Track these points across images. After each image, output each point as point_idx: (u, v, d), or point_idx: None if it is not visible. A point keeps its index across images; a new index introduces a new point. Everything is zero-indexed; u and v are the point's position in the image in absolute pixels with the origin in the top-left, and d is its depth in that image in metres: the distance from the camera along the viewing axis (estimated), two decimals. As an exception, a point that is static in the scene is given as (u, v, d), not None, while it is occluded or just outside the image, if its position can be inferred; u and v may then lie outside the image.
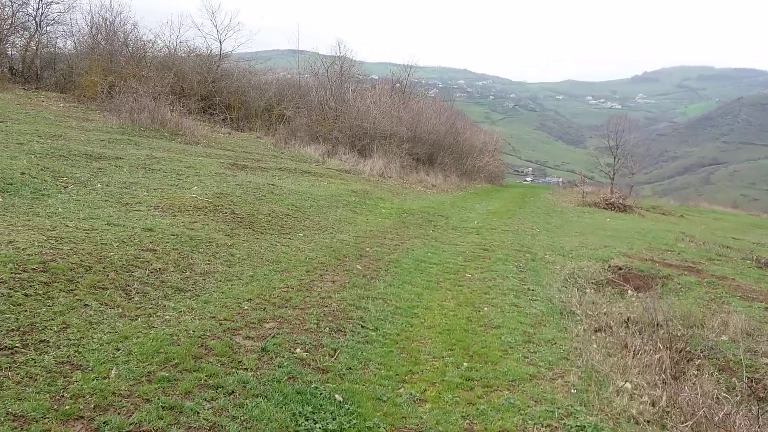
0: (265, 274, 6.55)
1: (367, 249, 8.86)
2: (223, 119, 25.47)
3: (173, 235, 6.94)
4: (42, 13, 22.66)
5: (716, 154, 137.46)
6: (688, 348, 6.10)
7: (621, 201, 23.80)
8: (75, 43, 24.29)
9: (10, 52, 22.70)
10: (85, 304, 4.73)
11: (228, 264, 6.64)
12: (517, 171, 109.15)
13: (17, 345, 3.91)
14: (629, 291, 9.04)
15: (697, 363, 5.71)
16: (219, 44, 28.42)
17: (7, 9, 21.89)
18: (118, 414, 3.37)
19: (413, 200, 16.87)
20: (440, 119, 25.95)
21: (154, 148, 14.36)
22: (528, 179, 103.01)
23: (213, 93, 26.10)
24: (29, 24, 22.81)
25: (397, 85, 30.65)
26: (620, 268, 10.30)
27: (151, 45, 23.34)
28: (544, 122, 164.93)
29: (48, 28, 23.46)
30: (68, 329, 4.27)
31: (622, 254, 11.70)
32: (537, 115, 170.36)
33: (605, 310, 7.52)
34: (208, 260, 6.55)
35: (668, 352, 5.70)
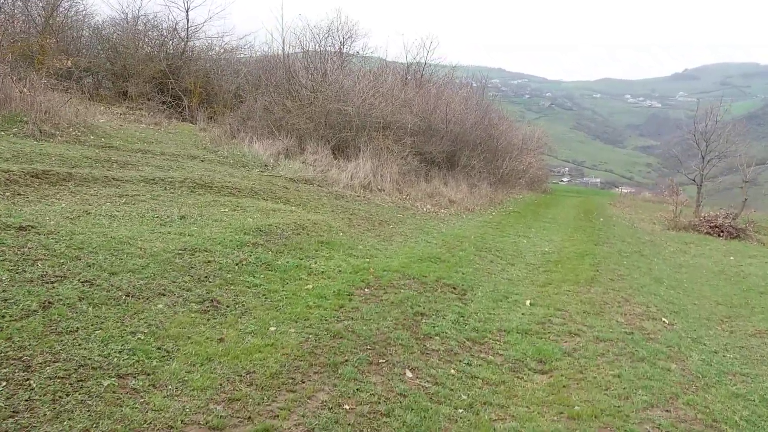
0: None
1: None
2: (174, 105, 18.04)
3: None
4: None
5: (763, 153, 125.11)
6: None
7: (731, 223, 15.22)
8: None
9: None
10: None
11: None
12: (554, 171, 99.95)
13: None
14: None
15: None
16: (185, 14, 21.02)
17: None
18: None
19: (405, 240, 8.77)
20: (467, 105, 17.68)
21: None
22: (564, 179, 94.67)
23: (166, 74, 18.68)
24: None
25: (412, 68, 22.51)
26: None
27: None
28: (580, 121, 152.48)
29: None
30: None
31: None
32: (574, 114, 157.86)
33: None
34: None
35: None
